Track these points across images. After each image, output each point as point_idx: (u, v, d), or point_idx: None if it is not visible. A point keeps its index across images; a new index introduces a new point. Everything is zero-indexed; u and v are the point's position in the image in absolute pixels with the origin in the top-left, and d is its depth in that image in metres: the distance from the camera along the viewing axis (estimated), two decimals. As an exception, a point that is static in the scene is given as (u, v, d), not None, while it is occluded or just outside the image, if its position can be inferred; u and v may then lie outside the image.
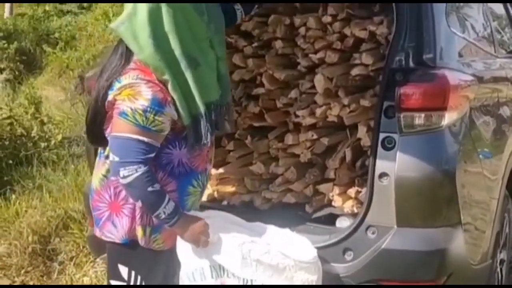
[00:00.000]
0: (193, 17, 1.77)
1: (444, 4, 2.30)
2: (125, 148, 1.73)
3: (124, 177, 1.73)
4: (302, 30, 2.53)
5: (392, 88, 2.02)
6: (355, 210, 2.26)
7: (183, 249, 1.86)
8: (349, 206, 2.30)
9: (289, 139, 2.54)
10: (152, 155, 1.76)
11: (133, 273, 1.90)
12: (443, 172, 2.03)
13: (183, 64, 1.75)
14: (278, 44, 2.58)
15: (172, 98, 1.76)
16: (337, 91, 2.45)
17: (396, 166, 1.99)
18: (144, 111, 1.71)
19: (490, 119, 2.48)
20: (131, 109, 1.72)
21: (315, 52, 2.50)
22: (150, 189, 1.73)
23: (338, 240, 2.08)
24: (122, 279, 1.91)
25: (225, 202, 2.55)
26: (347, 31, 2.44)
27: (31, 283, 3.10)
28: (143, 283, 1.91)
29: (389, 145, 2.02)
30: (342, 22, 2.47)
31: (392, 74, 2.06)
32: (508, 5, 3.67)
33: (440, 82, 2.04)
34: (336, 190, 2.39)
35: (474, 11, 2.87)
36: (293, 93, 2.55)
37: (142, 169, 1.72)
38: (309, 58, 2.52)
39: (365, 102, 2.37)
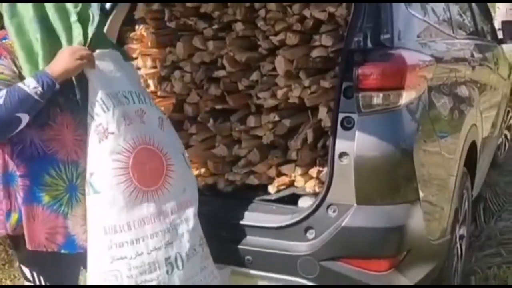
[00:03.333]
0: None
1: (401, -15, 2.32)
2: None
3: None
4: (262, 12, 2.52)
5: (350, 69, 2.04)
6: (317, 190, 2.28)
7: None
8: (311, 186, 2.32)
9: (251, 121, 2.54)
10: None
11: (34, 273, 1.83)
12: (401, 150, 2.06)
13: (35, 29, 1.70)
14: (239, 26, 2.57)
15: (17, 59, 1.69)
16: (298, 73, 2.45)
17: (355, 145, 2.01)
18: None
19: (448, 98, 2.53)
20: None
21: (276, 34, 2.49)
22: (1, 101, 1.58)
23: (300, 219, 2.10)
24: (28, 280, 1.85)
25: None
26: (306, 12, 2.44)
27: (-8, 272, 3.05)
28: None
29: (348, 125, 2.04)
30: (301, 4, 2.46)
31: (351, 55, 2.07)
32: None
33: (397, 62, 2.07)
34: (298, 170, 2.41)
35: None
36: (254, 75, 2.55)
37: None
38: (269, 40, 2.52)
39: (325, 84, 2.38)
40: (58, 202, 1.74)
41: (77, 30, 1.73)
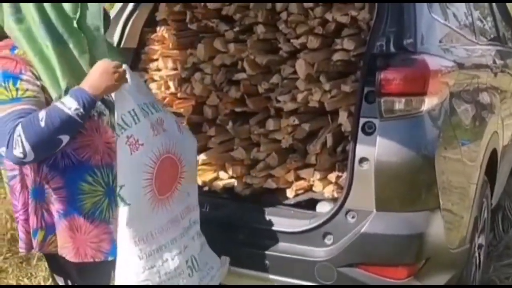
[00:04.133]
0: None
1: (425, -10, 2.30)
2: (4, 132, 1.52)
3: (22, 153, 1.50)
4: (283, 15, 2.52)
5: (372, 73, 2.02)
6: (336, 195, 2.26)
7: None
8: (329, 191, 2.30)
9: (271, 124, 2.53)
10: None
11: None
12: (423, 157, 2.04)
13: (42, 37, 1.61)
14: (260, 29, 2.57)
15: (34, 68, 1.61)
16: (319, 77, 2.44)
17: (376, 151, 2.00)
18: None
19: (469, 105, 2.50)
20: None
21: (297, 37, 2.49)
22: (42, 123, 1.50)
23: (318, 225, 2.09)
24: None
25: (206, 188, 2.54)
26: (328, 16, 2.43)
27: (9, 269, 3.06)
28: None
29: (369, 130, 2.03)
30: (323, 7, 2.46)
31: (373, 59, 2.06)
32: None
33: (420, 67, 2.05)
34: (317, 175, 2.39)
35: (456, -1, 2.88)
36: (274, 79, 2.54)
37: (19, 127, 1.50)
38: (290, 43, 2.51)
39: (346, 88, 2.37)
40: (99, 208, 1.71)
41: (81, 37, 1.67)
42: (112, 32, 2.74)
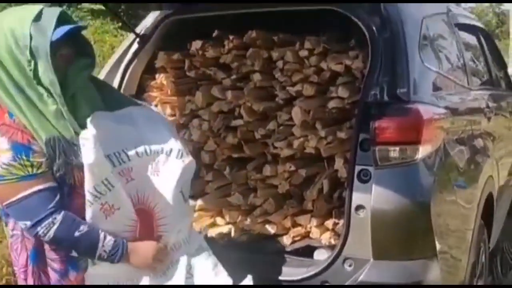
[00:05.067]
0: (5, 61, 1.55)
1: (417, 38, 2.36)
2: (28, 209, 1.53)
3: (44, 234, 1.53)
4: (279, 64, 2.58)
5: (367, 122, 2.06)
6: (333, 242, 2.27)
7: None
8: (326, 238, 2.31)
9: (267, 170, 2.56)
10: (58, 196, 1.55)
11: None
12: (418, 204, 2.07)
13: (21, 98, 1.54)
14: (256, 76, 2.62)
15: (28, 130, 1.55)
16: (314, 123, 2.48)
17: (372, 198, 2.02)
18: (14, 161, 1.51)
19: (464, 150, 2.54)
20: (1, 167, 1.51)
21: (293, 85, 2.54)
22: (77, 234, 1.54)
23: (316, 273, 2.09)
24: None
25: (202, 233, 2.53)
26: (323, 65, 2.49)
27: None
28: None
29: (365, 177, 2.05)
30: (318, 56, 2.52)
31: (367, 108, 2.10)
32: (480, 35, 3.78)
33: (413, 116, 2.09)
34: (314, 221, 2.41)
35: (447, 42, 2.95)
36: (271, 125, 2.58)
37: (59, 217, 1.53)
38: (286, 90, 2.56)
39: (341, 134, 2.40)
40: None
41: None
42: (112, 78, 2.79)
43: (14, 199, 1.53)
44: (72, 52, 1.66)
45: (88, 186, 1.57)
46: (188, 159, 1.82)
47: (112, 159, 1.66)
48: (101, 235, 1.58)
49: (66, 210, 1.57)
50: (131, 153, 1.70)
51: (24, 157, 1.52)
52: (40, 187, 1.53)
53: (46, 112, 1.57)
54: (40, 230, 1.53)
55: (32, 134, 1.55)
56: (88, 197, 1.58)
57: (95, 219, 1.60)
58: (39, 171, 1.54)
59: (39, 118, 1.56)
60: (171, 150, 1.77)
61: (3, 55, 1.55)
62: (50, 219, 1.52)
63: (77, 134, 1.58)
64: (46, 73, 1.55)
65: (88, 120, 1.60)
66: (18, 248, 1.66)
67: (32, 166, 1.53)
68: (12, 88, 1.56)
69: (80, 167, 1.57)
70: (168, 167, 1.76)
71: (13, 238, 1.67)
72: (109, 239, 1.59)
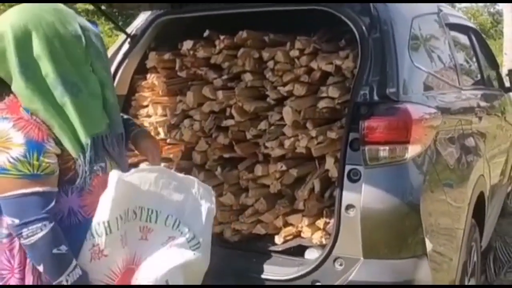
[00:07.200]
0: (68, 40, 1.57)
1: (407, 38, 2.37)
2: (22, 207, 1.50)
3: (27, 237, 1.49)
4: (270, 64, 2.58)
5: (357, 121, 2.07)
6: (324, 242, 2.27)
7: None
8: (317, 237, 2.31)
9: (259, 170, 2.56)
10: (53, 203, 1.53)
11: None
12: (408, 203, 2.07)
13: (59, 91, 1.54)
14: (247, 77, 2.63)
15: (51, 131, 1.54)
16: (305, 123, 2.49)
17: (362, 198, 2.02)
18: (24, 157, 1.49)
19: (455, 149, 2.54)
20: (9, 161, 1.48)
21: (283, 85, 2.55)
22: (55, 251, 1.50)
23: (306, 272, 2.10)
24: None
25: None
26: (314, 65, 2.49)
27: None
28: None
29: (354, 177, 2.06)
30: (309, 56, 2.53)
31: (357, 108, 2.11)
32: (472, 35, 3.79)
33: (403, 116, 2.10)
34: (305, 221, 2.41)
35: (438, 42, 2.96)
36: (262, 125, 2.58)
37: (47, 226, 1.49)
38: (277, 90, 2.57)
39: (332, 134, 2.41)
40: None
41: (95, 80, 1.64)
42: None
43: (12, 193, 1.50)
44: None
45: (94, 223, 1.55)
46: (199, 256, 1.77)
47: (142, 212, 1.65)
48: (73, 264, 1.53)
49: (56, 218, 1.54)
50: (162, 217, 1.69)
51: (35, 156, 1.50)
52: (40, 189, 1.51)
53: (94, 111, 1.62)
54: (26, 231, 1.49)
55: (48, 133, 1.53)
56: (88, 233, 1.56)
57: (80, 256, 1.56)
58: (44, 172, 1.51)
59: (90, 117, 1.59)
60: (193, 238, 1.75)
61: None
62: (40, 224, 1.49)
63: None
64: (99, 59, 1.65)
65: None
66: (14, 246, 1.60)
67: (39, 166, 1.50)
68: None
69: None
70: (178, 251, 1.71)
71: (7, 239, 1.61)
72: (78, 271, 1.54)
